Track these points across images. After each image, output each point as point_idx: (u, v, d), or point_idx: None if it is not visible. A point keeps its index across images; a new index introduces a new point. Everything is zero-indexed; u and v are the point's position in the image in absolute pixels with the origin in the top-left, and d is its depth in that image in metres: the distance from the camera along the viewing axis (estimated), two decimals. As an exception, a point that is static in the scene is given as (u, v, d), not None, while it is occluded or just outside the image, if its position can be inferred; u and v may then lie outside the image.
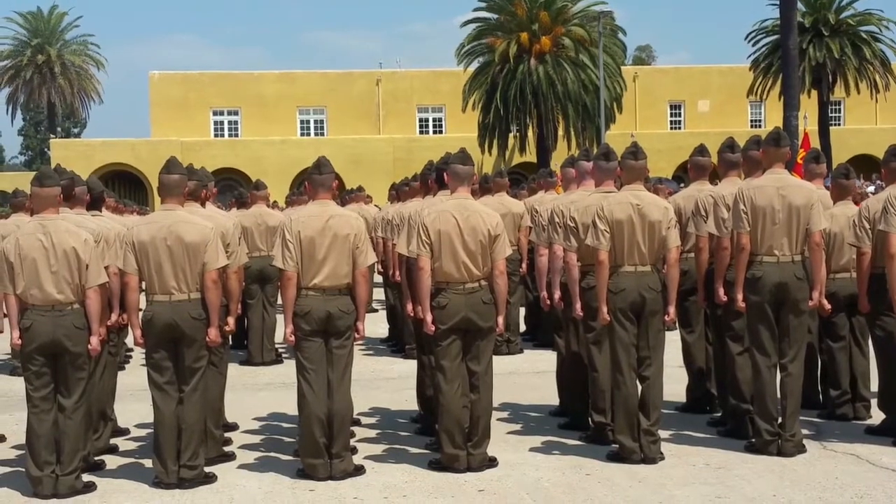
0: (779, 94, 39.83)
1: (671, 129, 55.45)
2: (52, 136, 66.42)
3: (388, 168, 47.44)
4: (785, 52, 34.62)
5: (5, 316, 7.69)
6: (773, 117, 47.11)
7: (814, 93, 46.25)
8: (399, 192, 13.58)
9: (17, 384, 8.19)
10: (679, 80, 55.95)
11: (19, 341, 7.42)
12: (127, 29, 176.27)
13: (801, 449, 8.07)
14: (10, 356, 12.93)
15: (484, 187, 13.66)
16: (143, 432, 9.24)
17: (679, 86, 55.61)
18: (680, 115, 56.19)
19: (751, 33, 47.67)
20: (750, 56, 48.15)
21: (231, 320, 8.21)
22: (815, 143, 36.07)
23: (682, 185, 27.19)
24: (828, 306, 8.60)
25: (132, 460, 8.43)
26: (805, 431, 8.41)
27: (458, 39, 47.47)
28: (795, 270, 8.07)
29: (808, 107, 42.21)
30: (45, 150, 71.09)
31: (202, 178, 8.92)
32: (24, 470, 7.56)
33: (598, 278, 7.98)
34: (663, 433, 8.27)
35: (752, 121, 54.83)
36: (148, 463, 7.95)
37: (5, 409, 10.25)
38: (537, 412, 9.91)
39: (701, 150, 9.45)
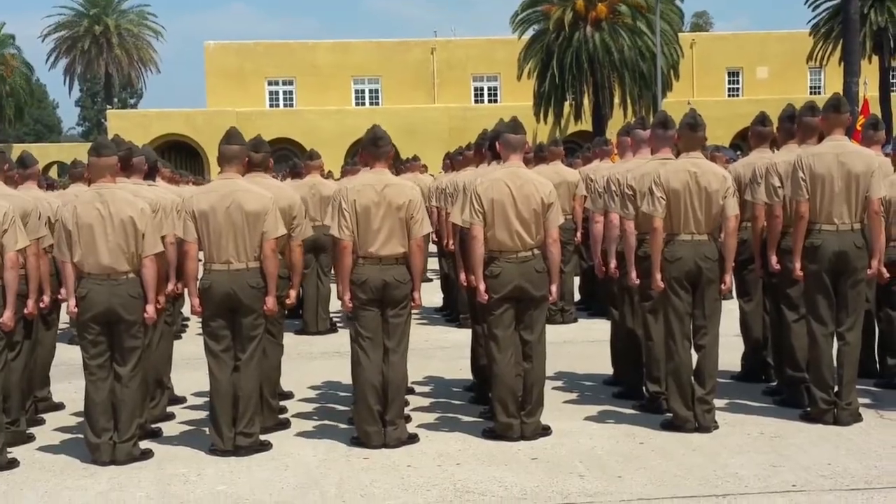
0: (839, 59, 39.32)
1: (729, 96, 54.99)
2: (108, 106, 67.08)
3: (443, 137, 47.38)
4: (846, 17, 34.21)
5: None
6: (832, 83, 46.41)
7: (875, 58, 45.62)
8: (453, 162, 13.55)
9: (76, 353, 8.27)
10: (737, 46, 55.37)
11: (75, 309, 7.50)
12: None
13: (858, 418, 7.99)
14: (68, 325, 13.09)
15: (539, 156, 13.57)
16: (199, 400, 9.33)
17: (737, 52, 55.06)
18: (738, 83, 55.65)
19: (811, -2, 47.11)
20: (810, 21, 47.59)
21: (293, 293, 8.22)
22: (876, 109, 35.49)
23: (738, 153, 26.93)
24: (886, 274, 8.47)
25: (189, 428, 8.52)
26: (862, 400, 8.33)
27: (512, 7, 47.24)
28: (855, 239, 7.96)
29: (869, 73, 41.61)
30: (102, 120, 71.71)
31: (269, 148, 8.88)
32: (82, 437, 7.67)
33: (653, 246, 7.91)
34: (718, 402, 8.21)
35: (811, 87, 54.17)
36: (204, 431, 8.03)
37: (64, 378, 10.39)
38: (591, 381, 9.88)
39: (762, 120, 9.36)
